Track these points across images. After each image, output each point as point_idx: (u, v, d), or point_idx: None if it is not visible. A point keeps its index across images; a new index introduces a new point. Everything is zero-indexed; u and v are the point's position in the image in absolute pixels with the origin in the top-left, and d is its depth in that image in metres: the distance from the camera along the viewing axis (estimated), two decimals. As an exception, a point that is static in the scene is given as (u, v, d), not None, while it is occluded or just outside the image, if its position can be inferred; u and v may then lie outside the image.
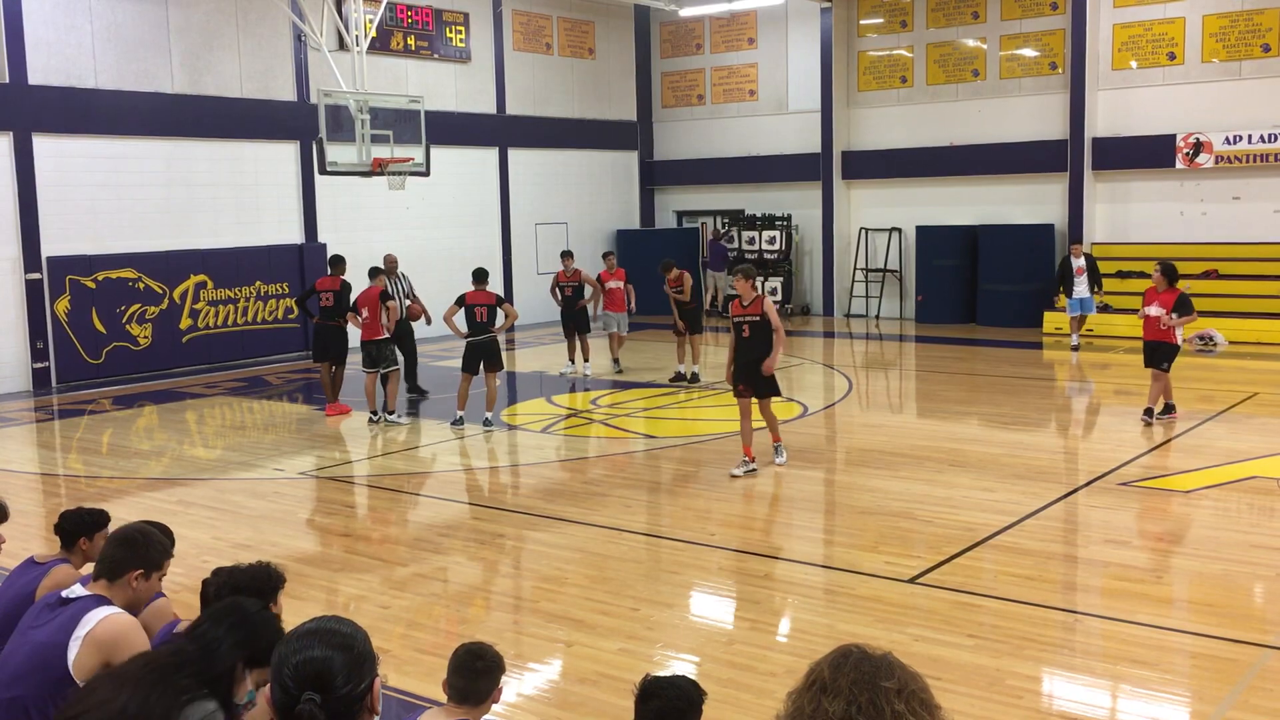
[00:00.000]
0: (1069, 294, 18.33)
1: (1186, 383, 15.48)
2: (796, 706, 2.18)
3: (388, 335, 13.67)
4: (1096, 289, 18.35)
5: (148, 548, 4.18)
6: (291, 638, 2.44)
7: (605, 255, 17.47)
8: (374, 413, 13.56)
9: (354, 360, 14.55)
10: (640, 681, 3.75)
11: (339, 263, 14.41)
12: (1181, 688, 5.96)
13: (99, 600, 3.96)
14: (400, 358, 14.34)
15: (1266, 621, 6.87)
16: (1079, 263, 18.13)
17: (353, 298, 14.09)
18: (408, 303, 14.91)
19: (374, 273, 13.93)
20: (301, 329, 19.70)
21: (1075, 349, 18.40)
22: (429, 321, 15.31)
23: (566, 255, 17.45)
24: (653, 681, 3.72)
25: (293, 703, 2.34)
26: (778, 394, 10.70)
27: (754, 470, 10.45)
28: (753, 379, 10.42)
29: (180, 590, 5.94)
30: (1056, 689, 5.97)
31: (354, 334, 14.21)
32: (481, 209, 23.26)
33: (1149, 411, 12.42)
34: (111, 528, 5.07)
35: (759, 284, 10.21)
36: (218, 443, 13.19)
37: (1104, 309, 19.17)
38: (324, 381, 14.52)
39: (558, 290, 17.08)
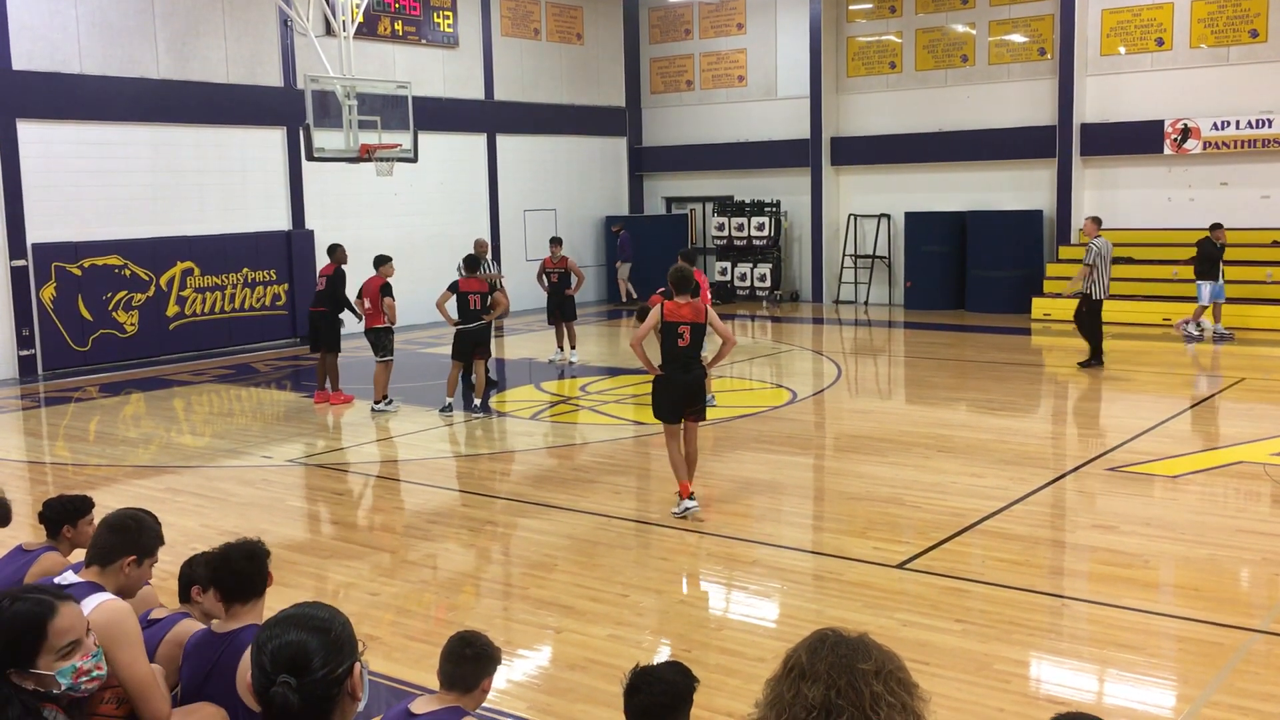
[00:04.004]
0: (1214, 278, 17.13)
1: (1174, 369, 15.55)
2: (775, 693, 2.18)
3: (388, 325, 13.55)
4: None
5: (140, 534, 4.17)
6: (270, 624, 2.45)
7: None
8: (376, 400, 13.51)
9: (353, 348, 14.52)
10: (629, 673, 3.71)
11: (333, 250, 14.22)
12: (1168, 671, 5.99)
13: (92, 587, 3.95)
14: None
15: (1252, 605, 6.91)
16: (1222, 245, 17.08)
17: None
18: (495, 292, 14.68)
19: (379, 261, 13.75)
20: (289, 316, 19.65)
21: (1225, 338, 17.29)
22: (506, 312, 14.80)
23: (555, 242, 17.39)
24: (639, 675, 3.64)
25: (270, 685, 2.35)
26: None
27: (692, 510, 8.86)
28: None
29: (168, 579, 5.91)
30: (1044, 673, 6.00)
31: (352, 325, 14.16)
32: (470, 195, 23.19)
33: None
34: (98, 515, 5.05)
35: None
36: (205, 430, 13.16)
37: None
38: (318, 370, 14.37)
39: (544, 277, 17.03)
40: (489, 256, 15.05)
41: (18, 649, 3.02)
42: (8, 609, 3.05)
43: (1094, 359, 15.21)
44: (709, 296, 13.19)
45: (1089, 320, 15.16)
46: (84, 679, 3.14)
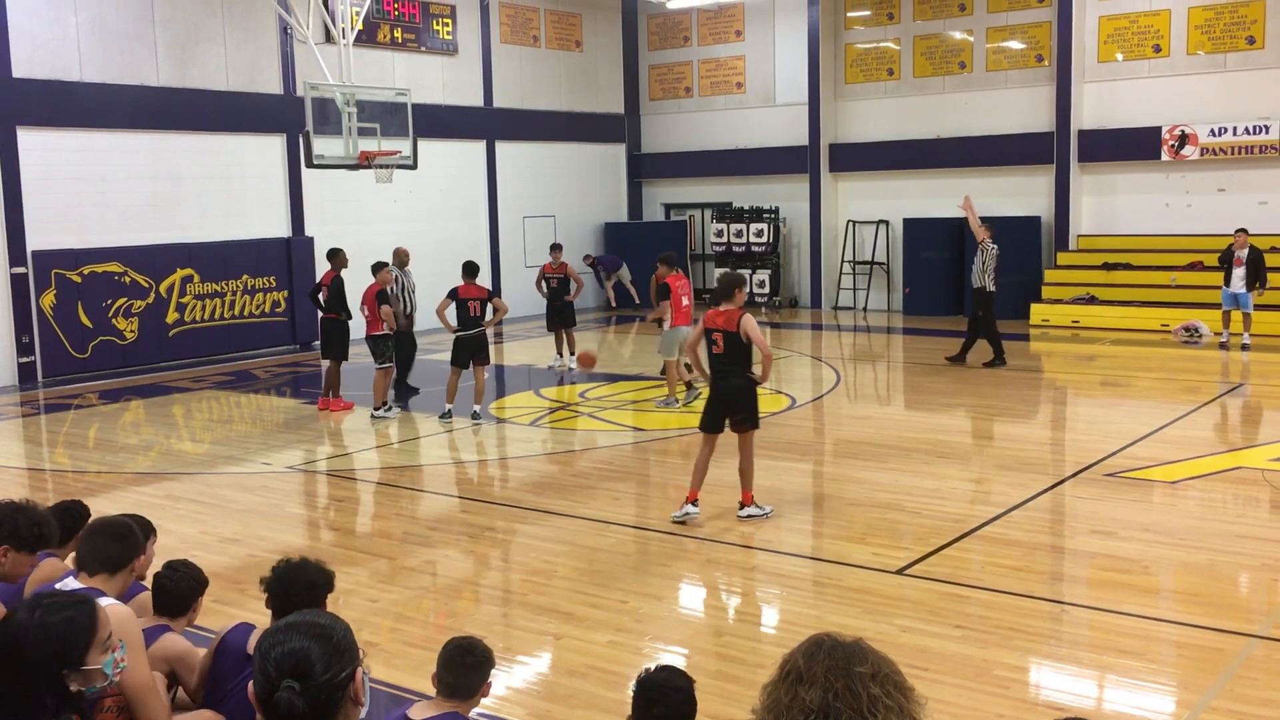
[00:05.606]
0: (1225, 285, 17.00)
1: (1173, 374, 15.56)
2: (773, 698, 2.19)
3: (386, 332, 13.55)
4: (1259, 285, 16.76)
5: (134, 537, 4.32)
6: (271, 631, 2.47)
7: (663, 259, 14.11)
8: (376, 407, 13.50)
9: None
10: (637, 681, 3.72)
11: (334, 255, 14.21)
12: (1167, 677, 6.00)
13: (94, 593, 3.98)
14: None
15: (1251, 611, 6.91)
16: (1241, 253, 16.75)
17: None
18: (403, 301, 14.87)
19: (376, 268, 13.76)
20: (289, 323, 19.69)
21: (1224, 346, 17.12)
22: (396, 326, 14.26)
23: (555, 248, 17.41)
24: (652, 689, 3.68)
25: (273, 691, 2.37)
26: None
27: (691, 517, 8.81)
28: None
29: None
30: (1043, 679, 6.00)
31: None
32: (469, 202, 23.21)
33: None
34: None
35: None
36: (205, 437, 13.16)
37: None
38: (326, 376, 14.31)
39: (543, 283, 17.07)
40: (408, 266, 15.24)
41: (73, 650, 3.13)
42: (47, 618, 3.13)
43: (998, 358, 15.93)
44: (685, 297, 13.73)
45: (987, 320, 15.85)
46: (118, 670, 3.27)
